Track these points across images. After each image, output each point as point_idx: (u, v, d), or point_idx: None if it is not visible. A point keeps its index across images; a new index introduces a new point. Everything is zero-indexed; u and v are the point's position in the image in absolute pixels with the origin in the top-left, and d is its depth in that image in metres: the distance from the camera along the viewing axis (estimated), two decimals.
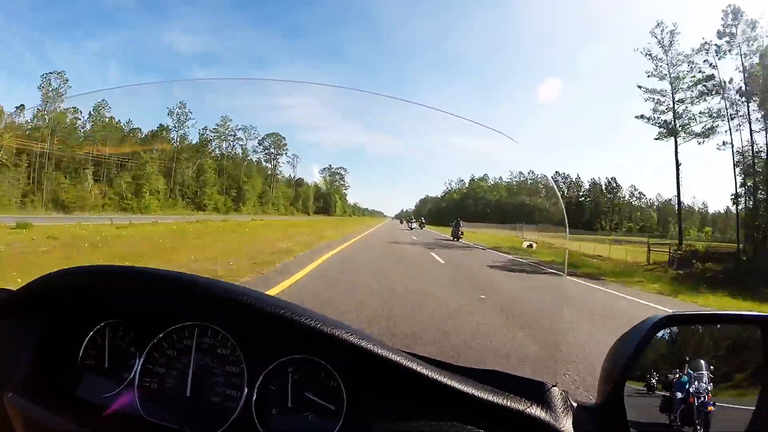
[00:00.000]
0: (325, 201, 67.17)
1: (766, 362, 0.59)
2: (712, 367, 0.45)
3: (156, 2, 69.61)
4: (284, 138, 58.64)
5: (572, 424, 0.59)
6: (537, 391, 0.62)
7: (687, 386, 0.44)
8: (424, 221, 36.50)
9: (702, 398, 0.40)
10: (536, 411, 0.58)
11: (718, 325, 0.62)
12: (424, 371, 0.59)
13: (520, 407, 0.58)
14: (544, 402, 0.60)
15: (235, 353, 0.69)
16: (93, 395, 0.72)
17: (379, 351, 0.60)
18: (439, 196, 79.52)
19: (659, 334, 0.57)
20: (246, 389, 0.66)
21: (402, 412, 0.60)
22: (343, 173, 72.47)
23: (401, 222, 47.28)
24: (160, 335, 0.73)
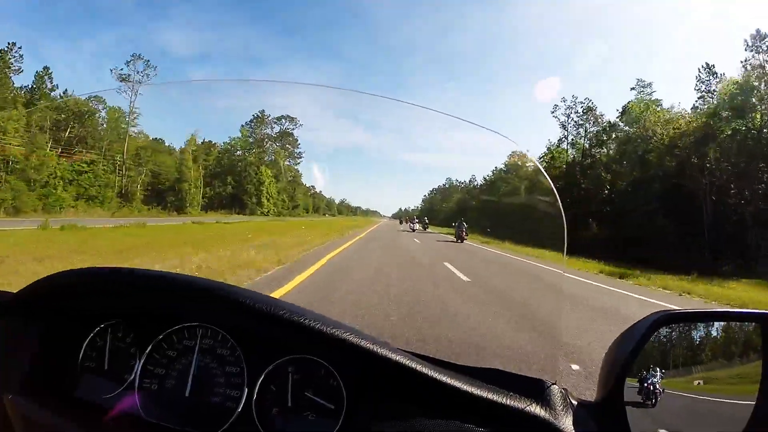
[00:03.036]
0: (239, 183, 32.87)
1: (765, 358, 0.61)
2: (663, 371, 0.65)
3: (152, 1, 68.23)
4: None
5: (572, 422, 0.59)
6: (537, 389, 0.62)
7: (650, 379, 0.64)
8: (427, 221, 34.52)
9: (656, 385, 0.63)
10: (536, 409, 0.58)
11: (715, 323, 0.70)
12: (424, 370, 0.60)
13: (520, 406, 0.58)
14: (544, 400, 0.60)
15: (235, 353, 0.70)
16: (93, 396, 0.70)
17: (378, 350, 0.60)
18: (486, 179, 46.94)
19: (657, 334, 0.64)
20: (246, 389, 0.66)
21: (402, 411, 0.61)
22: (291, 129, 35.45)
23: (401, 222, 43.68)
24: (160, 336, 0.72)
